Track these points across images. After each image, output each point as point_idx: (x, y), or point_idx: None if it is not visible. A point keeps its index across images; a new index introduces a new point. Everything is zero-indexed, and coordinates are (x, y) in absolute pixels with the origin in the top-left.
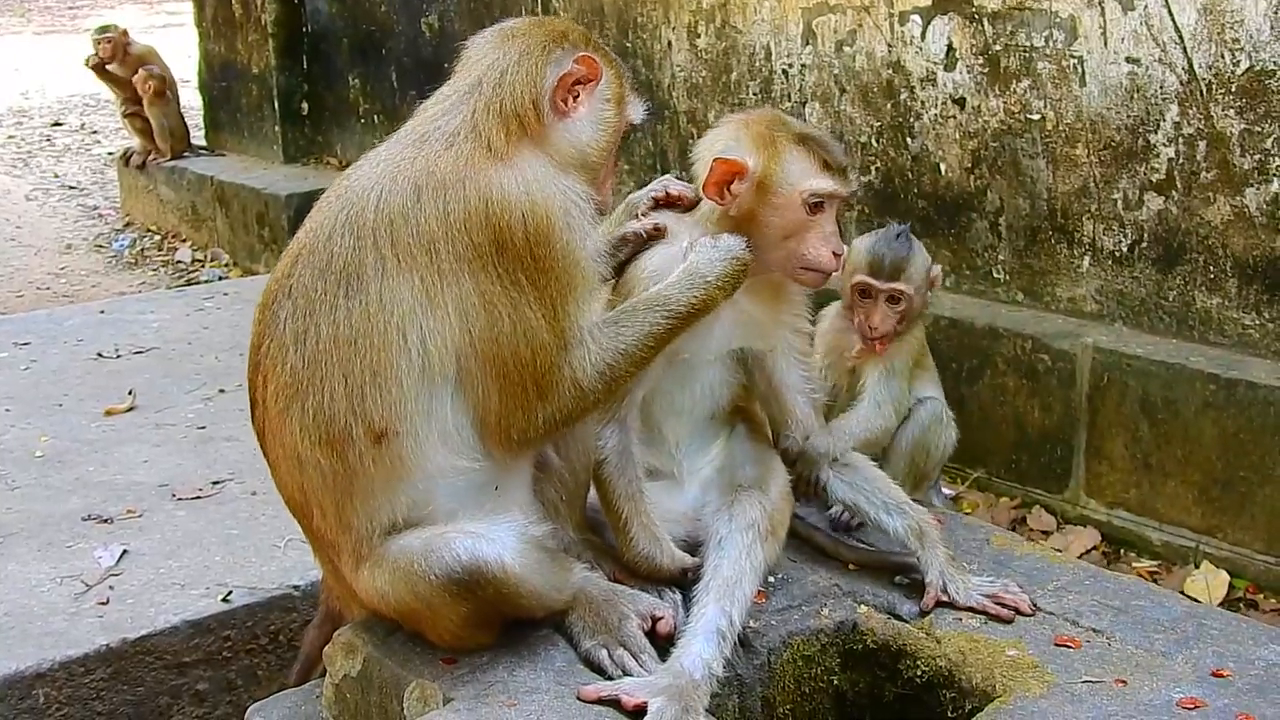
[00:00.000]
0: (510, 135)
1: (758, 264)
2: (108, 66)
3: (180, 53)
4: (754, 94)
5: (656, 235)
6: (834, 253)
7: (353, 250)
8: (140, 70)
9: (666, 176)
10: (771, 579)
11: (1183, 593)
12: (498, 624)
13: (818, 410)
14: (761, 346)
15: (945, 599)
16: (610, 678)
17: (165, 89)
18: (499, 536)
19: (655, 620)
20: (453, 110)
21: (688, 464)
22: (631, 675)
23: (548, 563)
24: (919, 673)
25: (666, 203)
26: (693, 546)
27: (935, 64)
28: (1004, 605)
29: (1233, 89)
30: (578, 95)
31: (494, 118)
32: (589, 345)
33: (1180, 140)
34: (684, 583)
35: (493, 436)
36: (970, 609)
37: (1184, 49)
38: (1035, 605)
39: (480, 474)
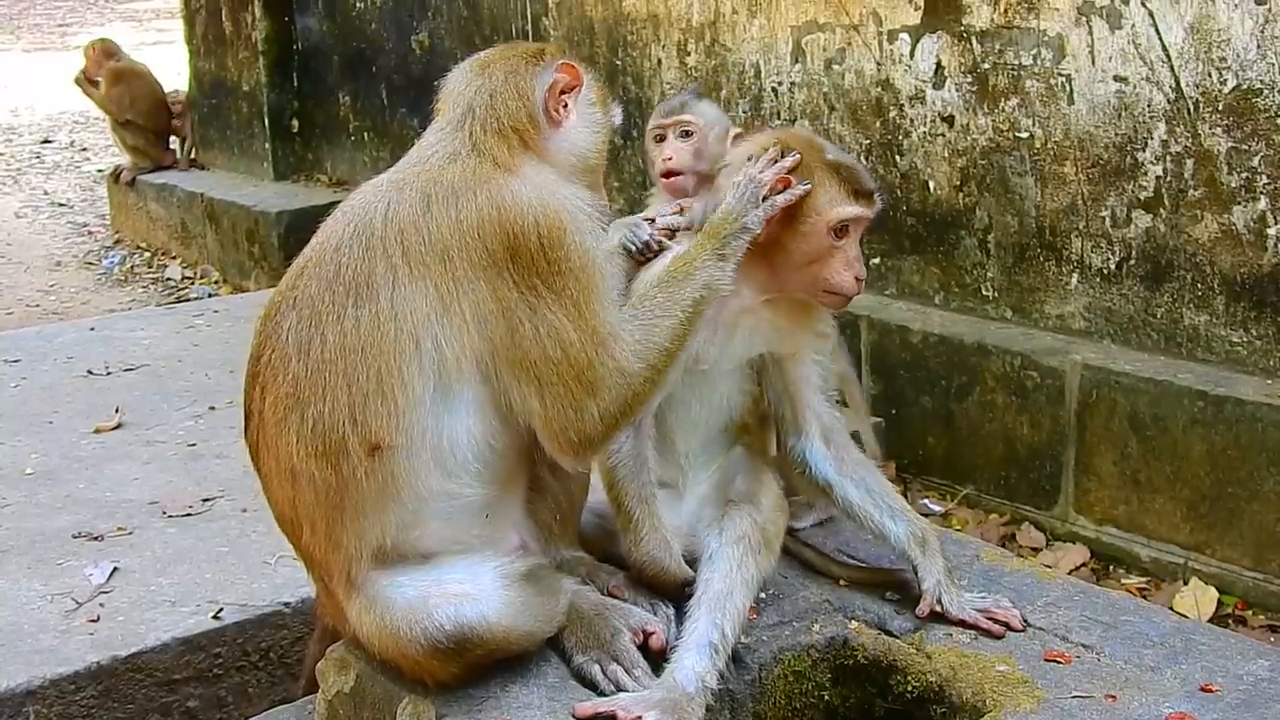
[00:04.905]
0: (512, 150)
1: (779, 284)
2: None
3: (171, 70)
4: (744, 111)
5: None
6: (856, 277)
7: (362, 260)
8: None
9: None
10: (763, 595)
11: (1171, 609)
12: (491, 667)
13: (834, 406)
14: (785, 351)
15: (939, 609)
16: (603, 693)
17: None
18: (482, 590)
19: (647, 635)
20: (449, 137)
21: (693, 476)
22: (626, 691)
23: (535, 599)
24: (909, 688)
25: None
26: (689, 562)
27: (924, 82)
28: (996, 620)
29: (1220, 107)
30: (566, 104)
31: (493, 135)
32: (622, 335)
33: (1168, 158)
34: (682, 596)
35: (553, 444)
36: (962, 622)
37: (1171, 68)
38: (1026, 621)
39: (472, 500)
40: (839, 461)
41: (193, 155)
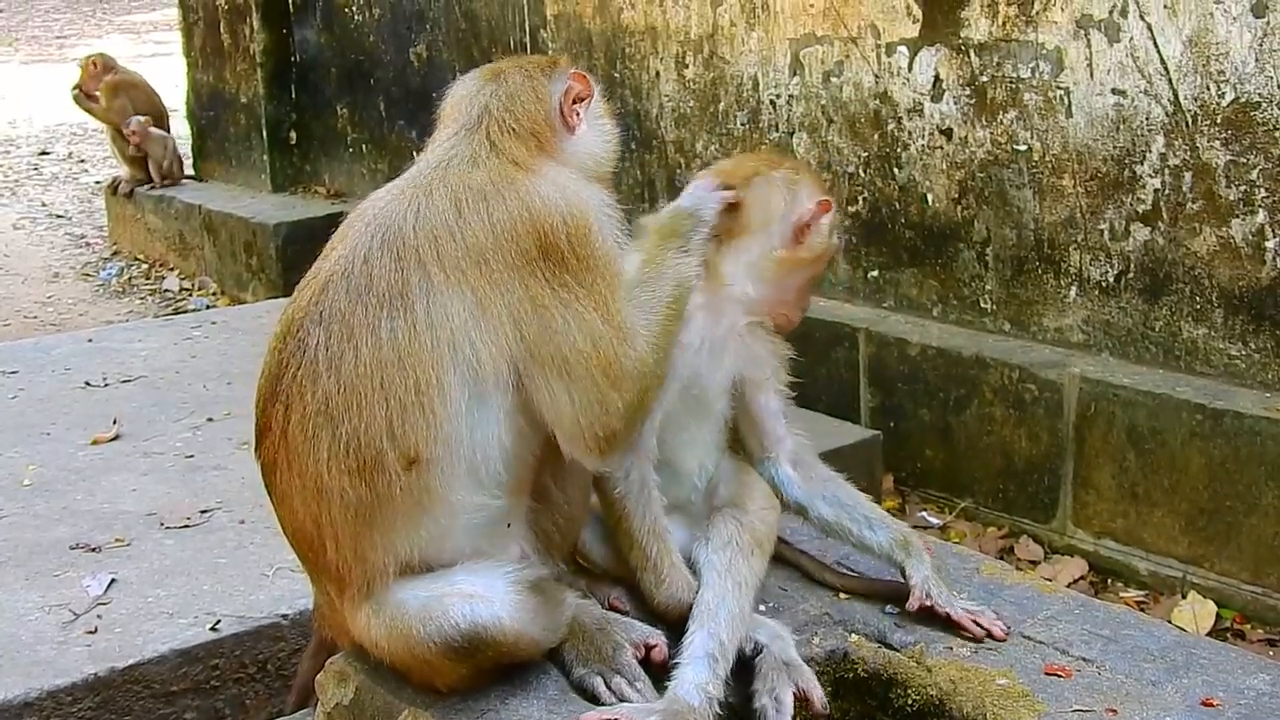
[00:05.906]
0: (531, 152)
1: (768, 303)
2: (95, 94)
3: (169, 82)
4: (742, 124)
5: None
6: None
7: (395, 271)
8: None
9: None
10: (762, 607)
11: (1170, 622)
12: (497, 673)
13: (798, 428)
14: (756, 376)
15: (929, 604)
16: (605, 705)
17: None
18: (495, 594)
19: (649, 649)
20: (466, 140)
21: (708, 494)
22: (629, 703)
23: (543, 607)
24: (910, 702)
25: None
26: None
27: (922, 95)
28: (980, 626)
29: (1218, 120)
30: (578, 113)
31: (511, 138)
32: (638, 329)
33: (1166, 171)
34: None
35: (579, 442)
36: (948, 616)
37: (1169, 81)
38: (1010, 631)
39: (496, 511)
40: (807, 481)
41: (182, 172)
